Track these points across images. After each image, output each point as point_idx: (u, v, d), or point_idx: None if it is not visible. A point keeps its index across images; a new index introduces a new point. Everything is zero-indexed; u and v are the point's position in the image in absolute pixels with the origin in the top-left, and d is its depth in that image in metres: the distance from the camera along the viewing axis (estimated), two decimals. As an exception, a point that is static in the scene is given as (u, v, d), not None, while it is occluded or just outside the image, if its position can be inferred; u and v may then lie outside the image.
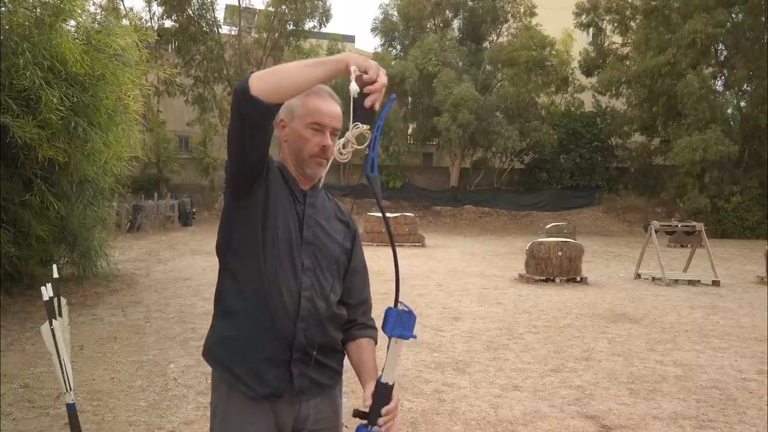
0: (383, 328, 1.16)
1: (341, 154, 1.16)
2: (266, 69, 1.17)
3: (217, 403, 1.34)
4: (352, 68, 1.11)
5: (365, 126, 1.13)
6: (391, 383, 1.17)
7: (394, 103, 25.48)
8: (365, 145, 1.13)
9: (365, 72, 1.11)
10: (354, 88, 1.10)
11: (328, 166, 1.36)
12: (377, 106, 1.12)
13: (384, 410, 1.18)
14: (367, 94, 1.11)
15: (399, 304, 1.15)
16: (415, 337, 1.16)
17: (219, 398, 1.34)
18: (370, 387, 1.21)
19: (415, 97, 24.48)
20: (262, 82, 1.13)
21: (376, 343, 1.39)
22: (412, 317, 1.16)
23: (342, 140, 1.15)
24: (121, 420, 3.23)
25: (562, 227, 15.11)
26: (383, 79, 1.12)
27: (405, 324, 1.15)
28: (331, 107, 1.32)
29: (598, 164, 24.76)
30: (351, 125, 1.13)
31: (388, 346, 1.16)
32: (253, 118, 1.15)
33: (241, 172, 1.25)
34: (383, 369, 1.18)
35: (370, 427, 1.17)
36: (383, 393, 1.17)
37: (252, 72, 1.19)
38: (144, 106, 9.09)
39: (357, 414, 1.20)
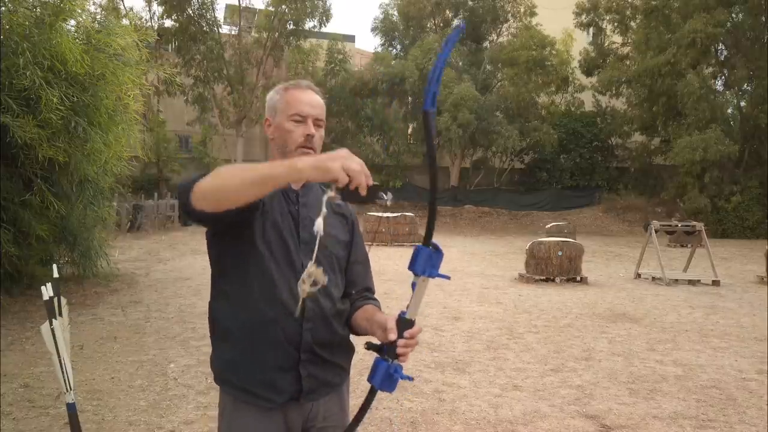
0: (412, 267, 1.09)
1: (305, 285, 1.11)
2: (209, 180, 1.07)
3: (225, 404, 1.34)
4: (327, 195, 1.03)
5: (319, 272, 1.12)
6: (413, 320, 1.13)
7: (395, 103, 25.56)
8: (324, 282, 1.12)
9: (335, 181, 1.00)
10: (325, 210, 1.08)
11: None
12: (364, 191, 1.01)
13: (407, 333, 1.12)
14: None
15: (430, 244, 1.09)
16: (448, 277, 1.11)
17: (226, 401, 1.33)
18: (392, 320, 1.14)
19: (415, 96, 24.46)
20: (203, 199, 1.07)
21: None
22: (440, 255, 1.09)
23: (306, 272, 1.10)
24: (121, 419, 3.23)
25: (562, 227, 15.11)
26: (356, 167, 0.99)
27: (435, 263, 1.09)
28: (311, 97, 1.33)
29: (598, 164, 24.75)
30: (312, 264, 1.10)
31: (413, 285, 1.11)
32: (204, 221, 1.14)
33: (219, 232, 1.26)
34: (407, 306, 1.13)
35: (391, 360, 1.12)
36: (405, 328, 1.13)
37: (196, 181, 1.08)
38: (144, 105, 9.09)
39: (371, 347, 1.16)
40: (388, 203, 1.06)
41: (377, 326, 1.22)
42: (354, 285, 1.40)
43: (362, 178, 1.00)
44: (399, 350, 1.12)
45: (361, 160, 1.01)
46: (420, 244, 1.10)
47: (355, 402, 1.41)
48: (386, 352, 1.14)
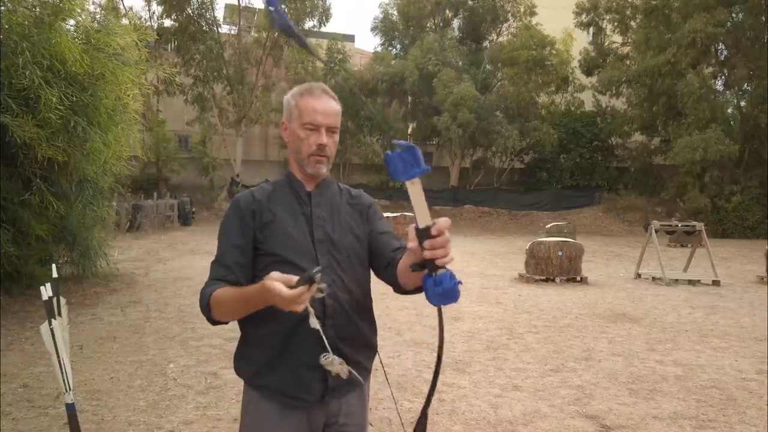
0: (395, 177, 1.03)
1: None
2: (215, 313, 1.27)
3: (249, 401, 1.36)
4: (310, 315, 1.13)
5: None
6: (430, 225, 1.03)
7: (395, 102, 25.55)
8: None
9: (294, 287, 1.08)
10: (313, 322, 1.15)
11: (330, 164, 1.39)
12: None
13: (434, 230, 1.03)
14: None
15: (395, 146, 1.02)
16: (428, 169, 1.03)
17: (251, 398, 1.36)
18: (411, 231, 1.07)
19: (415, 96, 24.48)
20: (218, 313, 1.28)
21: None
22: (414, 151, 1.01)
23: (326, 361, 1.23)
24: (121, 420, 3.22)
25: (562, 227, 15.08)
26: (284, 302, 1.09)
27: (411, 161, 1.01)
28: (325, 105, 1.33)
29: (598, 164, 24.74)
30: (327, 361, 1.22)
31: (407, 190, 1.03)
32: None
33: None
34: (415, 218, 1.05)
35: (433, 274, 1.05)
36: (425, 237, 1.05)
37: (209, 296, 1.28)
38: (143, 105, 9.08)
39: (415, 268, 1.11)
40: (323, 291, 1.11)
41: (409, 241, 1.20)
42: (388, 248, 1.38)
43: (294, 305, 1.08)
44: (426, 254, 1.03)
45: (287, 293, 1.07)
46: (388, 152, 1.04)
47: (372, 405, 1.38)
48: (427, 267, 1.07)
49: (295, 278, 1.08)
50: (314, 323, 1.14)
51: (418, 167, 1.01)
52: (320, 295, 1.11)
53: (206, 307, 1.28)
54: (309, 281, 1.06)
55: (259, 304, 1.17)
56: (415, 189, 1.02)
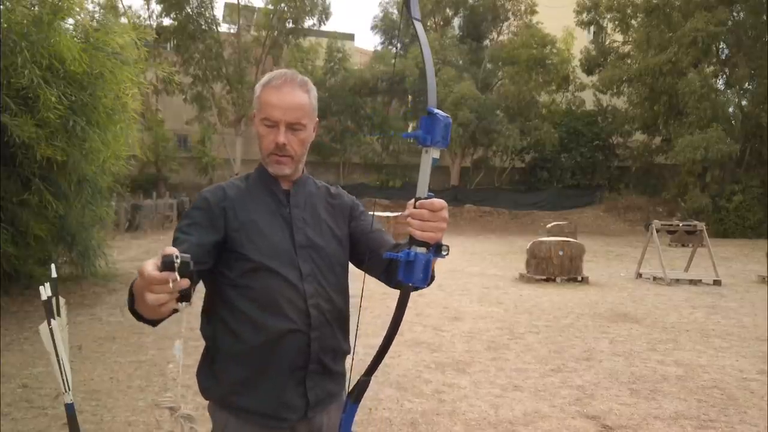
0: (431, 135, 0.99)
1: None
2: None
3: (226, 426, 1.22)
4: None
5: None
6: (424, 197, 1.01)
7: (395, 102, 25.53)
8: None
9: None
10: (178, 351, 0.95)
11: (298, 165, 1.25)
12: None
13: (418, 203, 0.97)
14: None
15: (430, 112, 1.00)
16: (446, 145, 1.01)
17: (228, 422, 1.22)
18: (410, 208, 1.00)
19: (415, 95, 24.43)
20: (137, 304, 0.99)
21: None
22: (431, 119, 0.99)
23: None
24: (120, 420, 3.21)
25: (563, 226, 15.05)
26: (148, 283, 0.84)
27: (431, 128, 1.00)
28: (286, 98, 1.17)
29: (599, 163, 24.70)
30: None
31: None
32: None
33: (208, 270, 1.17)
34: (417, 187, 1.02)
35: (410, 247, 1.00)
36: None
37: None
38: (142, 104, 9.05)
39: (413, 243, 1.05)
40: (183, 306, 0.87)
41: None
42: (381, 247, 1.26)
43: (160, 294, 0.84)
44: (412, 222, 0.96)
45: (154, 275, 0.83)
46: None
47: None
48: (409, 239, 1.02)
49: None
50: (177, 349, 0.96)
51: (446, 140, 1.01)
52: (182, 307, 0.87)
53: (129, 297, 1.00)
54: (168, 266, 0.82)
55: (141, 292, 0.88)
56: (427, 159, 1.01)
